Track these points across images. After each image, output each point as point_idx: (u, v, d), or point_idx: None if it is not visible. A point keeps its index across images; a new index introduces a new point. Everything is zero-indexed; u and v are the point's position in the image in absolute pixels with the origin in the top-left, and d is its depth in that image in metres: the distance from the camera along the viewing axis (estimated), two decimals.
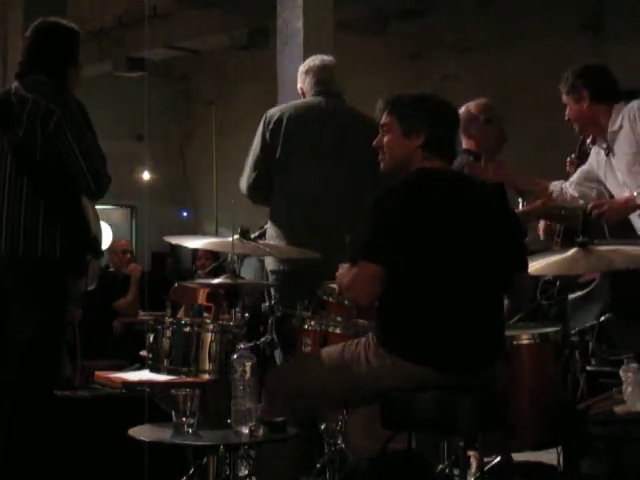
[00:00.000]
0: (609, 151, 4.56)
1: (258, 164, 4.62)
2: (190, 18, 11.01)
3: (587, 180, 4.79)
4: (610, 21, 9.97)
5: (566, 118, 4.64)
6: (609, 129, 4.48)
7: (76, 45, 4.06)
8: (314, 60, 4.79)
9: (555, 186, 4.87)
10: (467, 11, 10.54)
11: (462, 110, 5.13)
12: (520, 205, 5.18)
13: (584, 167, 4.83)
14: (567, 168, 5.30)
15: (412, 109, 3.33)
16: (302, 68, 4.81)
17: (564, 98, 4.63)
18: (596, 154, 4.71)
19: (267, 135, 4.58)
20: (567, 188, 4.82)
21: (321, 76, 4.73)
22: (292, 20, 6.98)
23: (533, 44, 10.09)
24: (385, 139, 3.37)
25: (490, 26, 10.46)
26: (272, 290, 4.46)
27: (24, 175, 3.85)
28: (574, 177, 4.86)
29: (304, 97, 4.77)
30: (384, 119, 3.38)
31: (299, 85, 4.81)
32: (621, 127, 4.44)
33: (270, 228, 4.61)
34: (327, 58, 4.82)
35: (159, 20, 10.71)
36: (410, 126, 3.31)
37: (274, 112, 4.65)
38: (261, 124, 4.63)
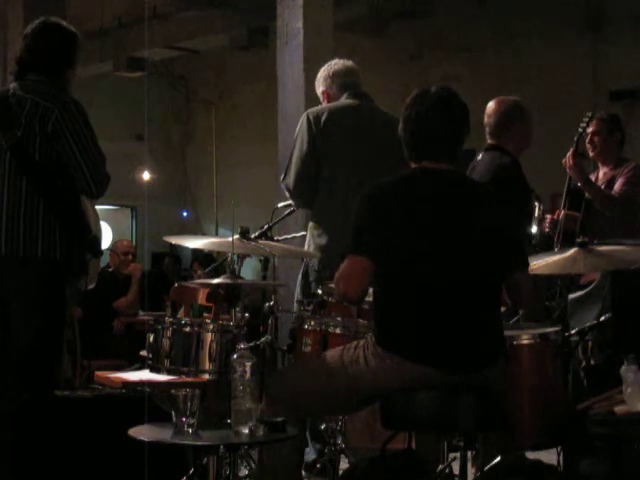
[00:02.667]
0: None
1: (306, 162, 4.61)
2: (190, 18, 11.02)
3: None
4: (610, 21, 9.97)
5: None
6: None
7: (75, 47, 4.06)
8: (336, 64, 4.83)
9: None
10: (467, 11, 10.55)
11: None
12: (537, 209, 5.22)
13: None
14: (567, 167, 5.31)
15: (403, 113, 3.35)
16: (324, 73, 4.83)
17: None
18: None
19: (315, 134, 4.58)
20: None
21: (348, 79, 4.78)
22: (292, 20, 6.97)
23: (533, 44, 10.09)
24: None
25: (490, 26, 10.47)
26: (315, 287, 4.49)
27: (23, 175, 3.85)
28: None
29: (329, 101, 4.79)
30: None
31: (322, 89, 4.83)
32: None
33: (313, 229, 4.64)
34: (348, 62, 4.87)
35: (159, 20, 10.72)
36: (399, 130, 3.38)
37: (320, 111, 4.67)
38: (305, 123, 4.62)
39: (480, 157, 4.94)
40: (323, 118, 4.60)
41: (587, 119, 5.37)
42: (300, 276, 4.75)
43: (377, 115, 4.73)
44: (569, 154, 5.29)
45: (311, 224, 4.69)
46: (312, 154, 4.60)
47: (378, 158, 4.57)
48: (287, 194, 4.76)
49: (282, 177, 4.75)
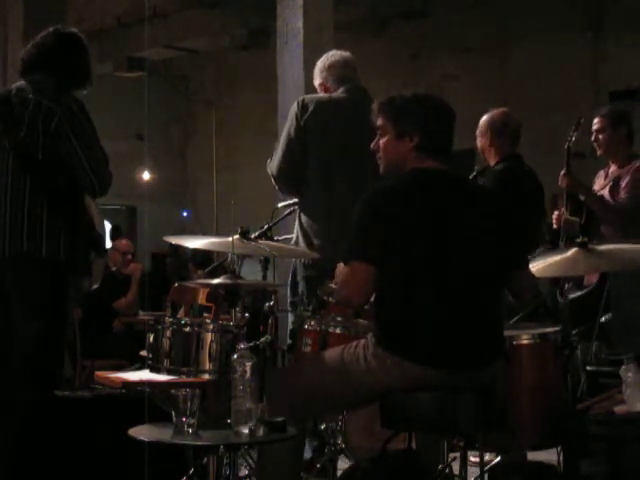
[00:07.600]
0: None
1: (291, 147, 4.58)
2: (190, 18, 11.02)
3: None
4: (610, 21, 9.98)
5: None
6: None
7: (87, 57, 4.09)
8: (334, 56, 4.79)
9: None
10: (467, 11, 10.54)
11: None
12: None
13: None
14: (563, 185, 5.23)
15: (404, 111, 3.31)
16: (321, 64, 4.79)
17: None
18: None
19: (302, 119, 4.55)
20: None
21: (345, 72, 4.73)
22: (292, 20, 6.98)
23: (533, 44, 10.09)
24: (381, 142, 3.38)
25: (490, 26, 10.47)
26: (303, 285, 4.45)
27: (26, 175, 3.85)
28: None
29: (325, 93, 4.75)
30: (379, 122, 3.39)
31: (318, 81, 4.79)
32: None
33: (302, 220, 4.60)
34: (345, 53, 4.82)
35: (159, 20, 10.72)
36: (402, 128, 3.31)
37: (311, 99, 4.63)
38: (295, 107, 4.59)
39: (508, 165, 4.99)
40: (310, 108, 4.56)
41: (574, 126, 5.22)
42: (290, 276, 4.73)
43: (369, 111, 4.68)
44: (562, 173, 5.16)
45: (298, 216, 4.67)
46: (298, 140, 4.56)
47: (362, 155, 4.54)
48: (272, 180, 4.73)
49: (268, 161, 4.70)
